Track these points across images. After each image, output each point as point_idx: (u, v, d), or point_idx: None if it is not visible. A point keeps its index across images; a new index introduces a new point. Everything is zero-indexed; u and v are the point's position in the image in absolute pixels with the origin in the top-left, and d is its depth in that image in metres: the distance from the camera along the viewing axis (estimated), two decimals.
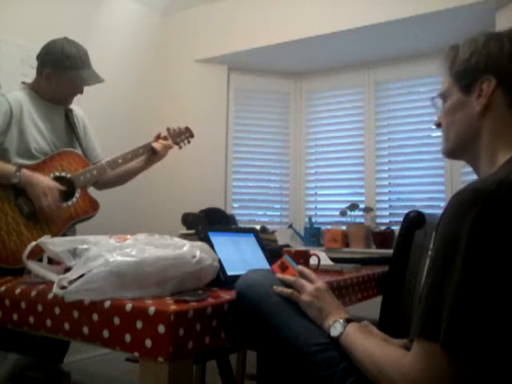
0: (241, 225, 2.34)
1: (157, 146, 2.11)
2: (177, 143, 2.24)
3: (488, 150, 0.91)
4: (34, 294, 1.11)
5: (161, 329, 0.89)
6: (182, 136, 2.26)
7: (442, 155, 1.04)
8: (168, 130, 2.24)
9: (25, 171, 1.81)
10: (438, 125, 1.02)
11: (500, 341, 0.71)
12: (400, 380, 0.77)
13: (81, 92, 2.04)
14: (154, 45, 3.53)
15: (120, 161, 2.05)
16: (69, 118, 2.08)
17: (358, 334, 0.92)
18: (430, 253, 1.77)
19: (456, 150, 0.98)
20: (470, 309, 0.71)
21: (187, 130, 2.28)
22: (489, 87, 0.89)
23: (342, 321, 0.95)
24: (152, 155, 2.14)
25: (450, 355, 0.71)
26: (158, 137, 2.17)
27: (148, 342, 0.90)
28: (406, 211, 1.68)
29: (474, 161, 0.96)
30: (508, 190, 0.74)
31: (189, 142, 2.28)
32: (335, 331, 0.94)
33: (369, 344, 0.88)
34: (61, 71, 1.92)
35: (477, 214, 0.72)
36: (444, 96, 0.99)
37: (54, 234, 1.85)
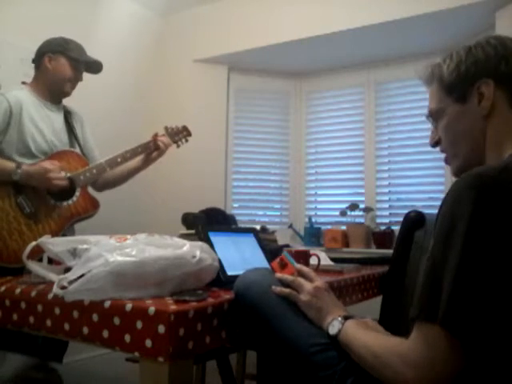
0: (241, 225, 2.34)
1: (159, 142, 2.14)
2: (175, 142, 2.26)
3: (494, 150, 0.91)
4: (34, 293, 1.11)
5: (161, 329, 0.89)
6: (179, 135, 2.27)
7: (454, 176, 0.99)
8: (166, 128, 2.25)
9: (24, 167, 1.81)
10: (436, 143, 1.02)
11: (499, 322, 0.71)
12: (400, 365, 0.76)
13: (80, 78, 2.06)
14: (154, 45, 3.53)
15: (119, 160, 2.06)
16: (67, 118, 2.09)
17: (357, 329, 0.92)
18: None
19: (469, 162, 0.94)
20: (468, 289, 0.71)
21: (185, 128, 2.29)
22: (489, 89, 0.91)
23: (340, 318, 0.95)
24: (151, 154, 2.15)
25: (449, 334, 0.71)
26: (156, 135, 2.19)
27: (148, 342, 0.90)
28: (405, 211, 1.67)
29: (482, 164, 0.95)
30: (508, 176, 0.75)
31: (186, 141, 2.30)
32: (333, 329, 0.94)
33: (367, 337, 0.88)
34: (61, 53, 1.98)
35: (477, 198, 0.73)
36: (437, 113, 0.99)
37: (54, 233, 1.86)
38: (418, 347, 0.74)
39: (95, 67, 2.08)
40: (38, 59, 2.00)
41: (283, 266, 1.13)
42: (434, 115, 1.01)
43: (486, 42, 0.93)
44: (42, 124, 1.96)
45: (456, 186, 0.78)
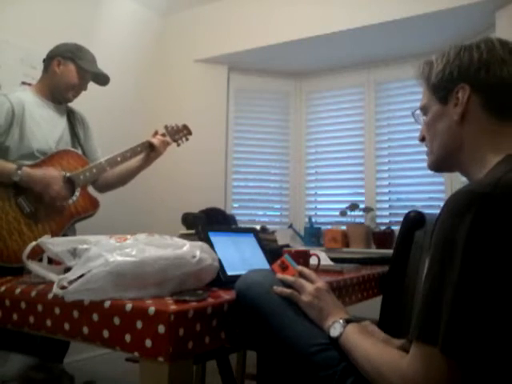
0: (241, 225, 2.34)
1: (155, 141, 2.14)
2: (175, 140, 2.25)
3: (475, 156, 0.92)
4: (33, 293, 1.11)
5: (161, 329, 0.89)
6: (179, 133, 2.27)
7: (428, 169, 1.05)
8: (166, 127, 2.24)
9: (25, 169, 1.81)
10: (422, 139, 1.04)
11: (499, 344, 0.71)
12: (397, 380, 0.77)
13: (85, 87, 2.07)
14: (154, 45, 3.53)
15: (119, 159, 2.06)
16: (70, 118, 2.10)
17: (358, 334, 0.92)
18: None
19: (441, 161, 0.99)
20: (468, 313, 0.71)
21: (185, 127, 2.29)
22: (463, 95, 0.92)
23: (341, 321, 0.95)
24: (150, 152, 2.15)
25: (449, 359, 0.71)
26: (156, 133, 2.18)
27: (148, 342, 0.90)
28: (405, 211, 1.68)
29: (463, 169, 0.97)
30: (503, 192, 0.74)
31: (187, 139, 2.29)
32: (335, 331, 0.94)
33: (368, 345, 0.88)
34: (71, 59, 1.99)
35: (473, 218, 0.72)
36: (424, 109, 1.01)
37: (55, 233, 1.86)
38: (416, 366, 0.75)
39: (102, 79, 2.09)
40: (48, 61, 2.01)
41: (284, 268, 1.13)
42: (422, 111, 1.03)
43: (476, 46, 0.93)
44: (44, 124, 1.96)
45: (449, 205, 0.77)
